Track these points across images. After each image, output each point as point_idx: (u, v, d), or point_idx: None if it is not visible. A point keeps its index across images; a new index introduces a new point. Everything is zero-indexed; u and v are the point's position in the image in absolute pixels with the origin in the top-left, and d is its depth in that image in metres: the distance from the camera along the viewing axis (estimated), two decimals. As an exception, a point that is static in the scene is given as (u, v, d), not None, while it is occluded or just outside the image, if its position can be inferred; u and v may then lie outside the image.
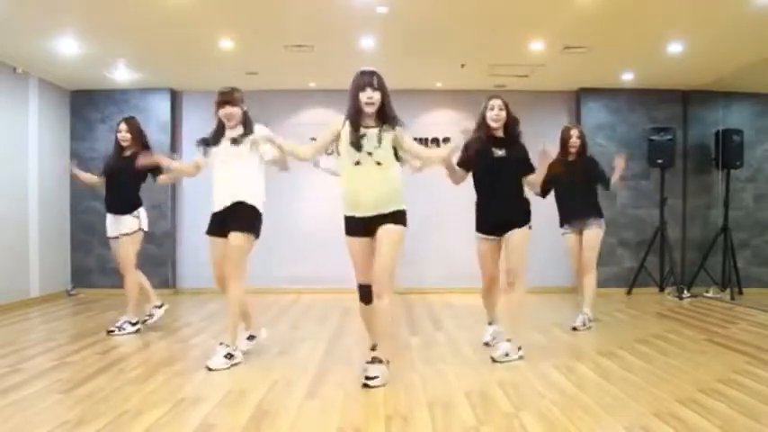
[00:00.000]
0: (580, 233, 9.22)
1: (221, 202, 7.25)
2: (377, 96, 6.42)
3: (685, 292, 12.10)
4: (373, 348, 6.43)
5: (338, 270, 13.41)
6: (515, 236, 7.20)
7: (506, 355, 7.08)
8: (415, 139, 13.30)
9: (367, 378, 6.11)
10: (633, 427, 4.82)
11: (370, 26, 9.52)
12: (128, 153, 8.77)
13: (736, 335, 8.74)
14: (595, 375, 6.52)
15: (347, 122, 6.49)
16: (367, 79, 6.45)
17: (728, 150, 12.44)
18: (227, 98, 7.30)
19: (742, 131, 12.54)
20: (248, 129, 7.34)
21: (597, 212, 9.32)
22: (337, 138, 6.58)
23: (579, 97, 13.68)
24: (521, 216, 7.31)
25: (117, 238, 8.93)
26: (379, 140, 6.37)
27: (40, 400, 5.69)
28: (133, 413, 5.25)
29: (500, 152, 7.37)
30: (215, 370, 6.71)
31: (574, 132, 9.27)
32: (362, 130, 6.39)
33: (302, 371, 6.72)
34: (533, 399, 5.70)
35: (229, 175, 7.21)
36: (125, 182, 8.82)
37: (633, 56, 11.16)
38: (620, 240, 13.43)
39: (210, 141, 7.46)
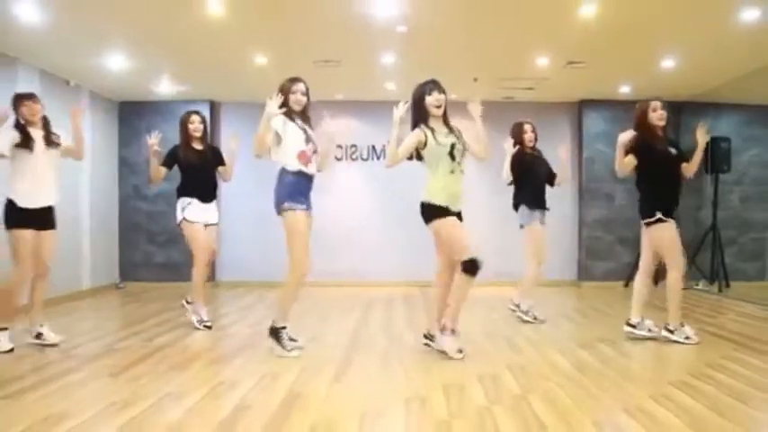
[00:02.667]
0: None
1: None
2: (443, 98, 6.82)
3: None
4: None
5: (360, 264, 13.52)
6: None
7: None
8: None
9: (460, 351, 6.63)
10: (630, 408, 4.83)
11: (391, 43, 9.55)
12: (201, 146, 8.59)
13: (724, 324, 8.74)
14: (596, 361, 6.53)
15: (429, 132, 6.71)
16: (432, 86, 6.87)
17: (717, 156, 12.41)
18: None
19: (729, 139, 12.51)
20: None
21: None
22: (422, 145, 6.72)
23: (581, 108, 13.68)
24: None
25: (205, 226, 8.55)
26: (462, 153, 6.77)
27: (89, 383, 5.76)
28: (175, 395, 5.29)
29: (673, 150, 7.53)
30: None
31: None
32: (447, 140, 6.69)
33: (330, 357, 6.73)
34: (540, 382, 5.72)
35: None
36: (210, 171, 8.65)
37: (630, 70, 11.15)
38: (619, 238, 13.47)
39: None
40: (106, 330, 8.38)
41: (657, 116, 7.55)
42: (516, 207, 9.05)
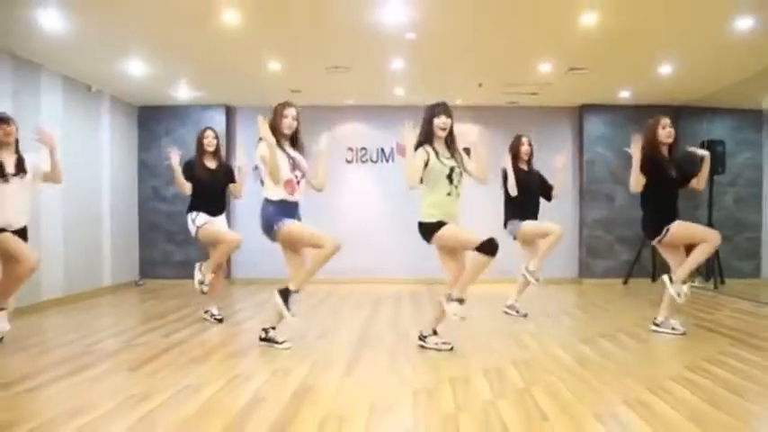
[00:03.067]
0: None
1: None
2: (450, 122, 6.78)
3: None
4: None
5: (369, 262, 13.52)
6: None
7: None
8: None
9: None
10: (630, 401, 4.82)
11: (399, 50, 9.55)
12: (214, 162, 8.63)
13: (720, 320, 8.70)
14: (597, 355, 6.53)
15: (432, 152, 6.69)
16: (441, 108, 6.78)
17: (712, 159, 12.34)
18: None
19: (724, 142, 12.47)
20: None
21: None
22: (424, 164, 6.67)
23: (582, 112, 13.66)
24: None
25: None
26: (460, 177, 6.78)
27: (109, 376, 5.76)
28: (193, 388, 5.29)
29: (673, 173, 7.58)
30: None
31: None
32: (448, 163, 6.70)
33: (340, 352, 6.75)
34: (542, 375, 5.71)
35: None
36: (220, 189, 8.75)
37: (629, 76, 11.14)
38: (618, 237, 13.45)
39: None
40: (125, 326, 8.39)
41: (666, 133, 7.63)
42: (506, 224, 9.08)
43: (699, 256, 7.47)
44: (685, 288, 7.54)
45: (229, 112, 13.81)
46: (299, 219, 6.85)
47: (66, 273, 10.62)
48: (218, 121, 13.49)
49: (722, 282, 12.29)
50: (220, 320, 8.58)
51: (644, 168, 7.58)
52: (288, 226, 6.67)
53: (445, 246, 6.77)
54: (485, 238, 6.45)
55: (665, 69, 10.46)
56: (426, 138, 6.76)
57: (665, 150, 7.65)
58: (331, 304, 10.45)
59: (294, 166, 6.82)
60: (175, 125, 13.41)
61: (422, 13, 7.98)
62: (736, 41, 8.75)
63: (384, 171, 13.73)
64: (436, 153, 6.69)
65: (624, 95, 12.67)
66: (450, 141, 6.84)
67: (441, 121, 6.72)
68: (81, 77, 10.98)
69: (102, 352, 6.72)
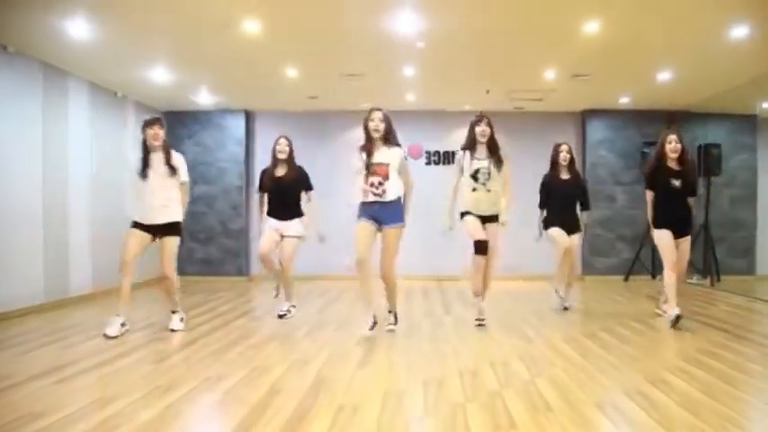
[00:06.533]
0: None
1: None
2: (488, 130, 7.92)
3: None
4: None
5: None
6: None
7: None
8: (445, 152, 13.37)
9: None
10: (630, 391, 4.83)
11: (410, 58, 9.57)
12: (285, 169, 8.61)
13: (716, 314, 8.72)
14: (598, 348, 6.53)
15: (466, 155, 7.95)
16: (481, 119, 7.97)
17: (709, 161, 12.37)
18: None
19: (720, 145, 12.44)
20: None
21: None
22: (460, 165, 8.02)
23: (584, 117, 13.65)
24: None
25: (278, 236, 8.55)
26: (488, 177, 7.88)
27: (136, 368, 5.78)
28: (215, 379, 5.31)
29: (677, 182, 7.96)
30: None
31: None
32: (476, 164, 7.88)
33: (354, 344, 6.78)
34: (547, 367, 5.72)
35: None
36: (287, 196, 8.65)
37: (629, 82, 11.13)
38: (619, 236, 13.44)
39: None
40: (151, 321, 8.40)
41: (671, 148, 8.00)
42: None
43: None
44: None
45: (249, 117, 13.83)
46: (376, 216, 7.35)
47: (95, 270, 10.70)
48: (238, 125, 13.59)
49: (718, 279, 12.31)
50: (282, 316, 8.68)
51: (651, 177, 8.16)
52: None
53: None
54: (479, 237, 7.82)
55: (664, 76, 10.45)
56: (470, 141, 7.96)
57: (672, 162, 7.99)
58: (347, 299, 10.47)
59: (370, 174, 7.34)
60: (197, 129, 13.47)
61: (431, 23, 7.99)
62: (730, 49, 8.75)
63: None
64: (471, 155, 7.90)
65: (624, 101, 12.66)
66: (491, 146, 7.91)
67: (480, 130, 7.86)
68: (107, 84, 11.03)
69: (129, 344, 6.75)
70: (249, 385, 5.15)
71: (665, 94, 11.79)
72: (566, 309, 9.08)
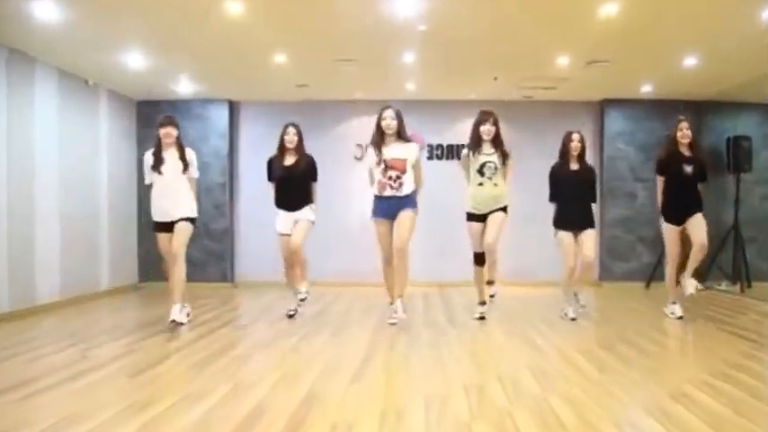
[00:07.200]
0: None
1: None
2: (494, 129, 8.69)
3: (699, 285, 11.99)
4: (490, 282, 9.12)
5: (380, 265, 13.54)
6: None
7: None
8: (449, 145, 13.39)
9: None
10: (651, 408, 4.84)
11: (411, 42, 9.57)
12: (295, 157, 9.11)
13: (744, 324, 8.74)
14: (615, 361, 6.53)
15: (471, 152, 8.73)
16: (486, 117, 8.73)
17: (739, 154, 12.40)
18: None
19: (750, 138, 12.49)
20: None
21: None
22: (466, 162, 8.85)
23: (602, 107, 13.68)
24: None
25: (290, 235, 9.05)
26: (494, 171, 8.65)
27: (109, 383, 5.79)
28: (195, 395, 5.31)
29: (688, 168, 8.90)
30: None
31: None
32: (482, 158, 8.64)
33: (348, 357, 6.75)
34: (560, 382, 5.73)
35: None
36: (296, 185, 9.12)
37: (652, 69, 11.15)
38: (639, 237, 13.46)
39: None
40: (125, 331, 8.40)
41: (681, 134, 8.92)
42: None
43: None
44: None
45: (233, 108, 13.83)
46: (392, 213, 8.49)
47: (64, 275, 10.69)
48: (221, 116, 13.61)
49: (749, 285, 12.27)
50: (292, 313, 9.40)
51: (664, 163, 9.09)
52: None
53: None
54: (478, 251, 8.87)
55: (690, 62, 10.43)
56: (474, 139, 8.69)
57: (684, 148, 8.95)
58: (340, 307, 10.49)
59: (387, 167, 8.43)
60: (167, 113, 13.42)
61: (434, 3, 7.99)
62: (762, 31, 8.73)
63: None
64: (477, 151, 8.64)
65: (646, 90, 12.67)
66: (496, 142, 8.66)
67: (485, 128, 8.60)
68: (77, 71, 11.03)
69: (100, 358, 6.73)
70: (233, 402, 5.15)
71: (691, 82, 11.79)
72: (573, 319, 9.10)
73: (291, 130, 9.03)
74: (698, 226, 8.76)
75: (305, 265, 9.31)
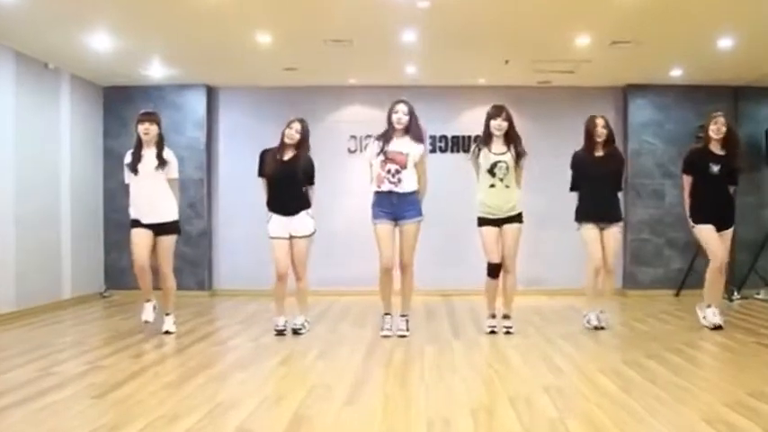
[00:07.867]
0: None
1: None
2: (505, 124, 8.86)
3: (735, 293, 12.00)
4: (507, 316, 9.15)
5: (377, 272, 13.52)
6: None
7: None
8: (454, 136, 13.37)
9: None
10: (682, 433, 4.83)
11: (411, 21, 9.53)
12: (292, 153, 9.05)
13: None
14: (642, 379, 6.50)
15: (480, 150, 8.92)
16: (497, 112, 8.88)
17: (779, 148, 12.40)
18: None
19: (791, 129, 12.50)
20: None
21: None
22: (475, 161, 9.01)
23: (626, 94, 13.66)
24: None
25: (287, 239, 9.01)
26: (506, 171, 8.79)
27: (73, 404, 5.74)
28: (169, 418, 5.28)
29: (715, 168, 9.02)
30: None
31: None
32: (493, 158, 8.79)
33: (341, 375, 6.73)
34: (579, 403, 5.73)
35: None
36: (294, 184, 9.06)
37: (682, 51, 11.12)
38: (668, 241, 13.42)
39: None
40: (90, 345, 8.40)
41: (714, 129, 9.01)
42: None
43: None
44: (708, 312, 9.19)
45: (211, 94, 13.81)
46: (393, 212, 8.87)
47: (20, 283, 10.64)
48: (198, 103, 13.60)
49: (792, 293, 12.26)
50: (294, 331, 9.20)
51: (689, 160, 9.32)
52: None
53: None
54: (494, 260, 8.90)
55: (725, 43, 10.38)
56: (484, 136, 8.91)
57: (714, 145, 9.09)
58: (333, 318, 10.53)
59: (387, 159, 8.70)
60: (147, 108, 13.32)
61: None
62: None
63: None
64: (487, 149, 8.82)
65: (676, 74, 12.64)
66: (508, 138, 8.85)
67: (496, 123, 8.77)
68: (36, 53, 10.99)
69: (63, 375, 6.70)
70: (211, 426, 5.12)
71: (727, 66, 11.75)
72: (597, 328, 9.14)
73: (295, 125, 8.97)
74: (723, 243, 9.03)
75: (305, 294, 9.34)
